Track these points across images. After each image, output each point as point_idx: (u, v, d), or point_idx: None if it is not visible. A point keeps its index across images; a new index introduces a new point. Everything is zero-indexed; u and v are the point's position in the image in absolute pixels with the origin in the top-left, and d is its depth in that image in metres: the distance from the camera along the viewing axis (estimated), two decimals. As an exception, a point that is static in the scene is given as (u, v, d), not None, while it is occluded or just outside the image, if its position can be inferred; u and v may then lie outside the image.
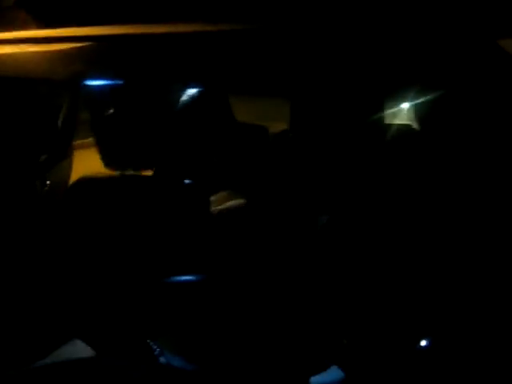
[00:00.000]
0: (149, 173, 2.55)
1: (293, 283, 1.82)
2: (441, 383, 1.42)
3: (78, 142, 2.90)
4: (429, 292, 1.55)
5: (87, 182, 2.24)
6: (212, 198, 2.38)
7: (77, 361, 1.17)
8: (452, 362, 1.41)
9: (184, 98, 2.79)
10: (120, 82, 2.24)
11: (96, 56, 1.81)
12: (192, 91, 2.72)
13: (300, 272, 1.82)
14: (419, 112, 1.93)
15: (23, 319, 1.76)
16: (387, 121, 2.06)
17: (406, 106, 2.17)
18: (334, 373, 1.54)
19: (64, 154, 2.55)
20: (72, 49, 1.74)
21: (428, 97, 1.78)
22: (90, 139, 2.83)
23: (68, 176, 2.68)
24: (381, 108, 1.99)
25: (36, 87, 2.12)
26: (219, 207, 2.37)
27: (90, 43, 1.77)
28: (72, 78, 2.05)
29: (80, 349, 1.32)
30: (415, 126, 1.97)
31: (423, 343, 1.48)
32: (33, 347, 1.51)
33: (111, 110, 2.29)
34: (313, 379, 1.56)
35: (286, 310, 1.78)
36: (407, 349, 1.50)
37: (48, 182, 2.52)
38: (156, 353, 1.52)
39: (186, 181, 2.33)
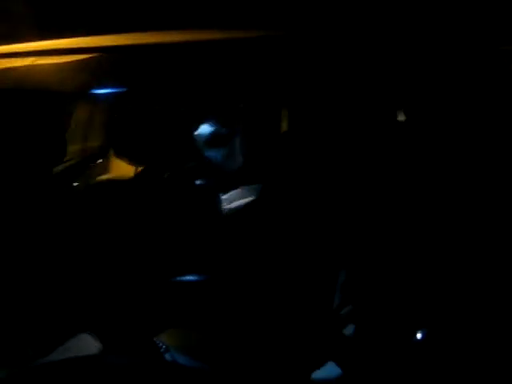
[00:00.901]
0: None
1: (295, 279, 1.86)
2: (438, 378, 1.44)
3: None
4: (425, 286, 1.57)
5: (102, 184, 2.30)
6: (223, 197, 2.42)
7: (82, 358, 1.21)
8: (449, 356, 1.42)
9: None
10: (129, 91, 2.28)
11: (106, 66, 1.84)
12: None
13: (301, 268, 1.86)
14: (422, 112, 1.95)
15: (32, 314, 1.81)
16: (392, 119, 2.07)
17: (410, 105, 2.19)
18: (331, 369, 1.57)
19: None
20: (80, 60, 1.78)
21: (431, 99, 1.79)
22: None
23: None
24: (384, 108, 2.01)
25: (50, 97, 2.17)
26: (230, 206, 2.41)
27: (99, 54, 1.80)
28: (81, 88, 2.09)
29: (87, 343, 1.37)
30: (418, 124, 1.99)
31: (419, 336, 1.49)
32: (41, 341, 1.56)
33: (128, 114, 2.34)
34: (312, 375, 1.59)
35: (287, 306, 1.82)
36: (403, 342, 1.52)
37: (75, 184, 2.56)
38: (162, 350, 1.58)
39: (198, 181, 2.38)
